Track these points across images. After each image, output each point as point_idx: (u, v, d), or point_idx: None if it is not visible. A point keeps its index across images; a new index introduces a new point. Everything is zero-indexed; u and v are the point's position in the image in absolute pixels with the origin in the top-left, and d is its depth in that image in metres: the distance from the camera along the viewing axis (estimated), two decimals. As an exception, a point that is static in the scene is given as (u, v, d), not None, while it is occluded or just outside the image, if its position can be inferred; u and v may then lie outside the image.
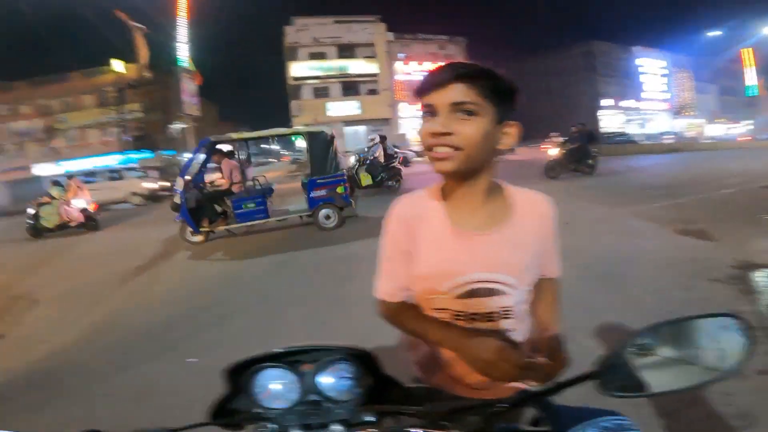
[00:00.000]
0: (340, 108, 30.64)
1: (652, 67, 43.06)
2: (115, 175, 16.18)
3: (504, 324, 0.83)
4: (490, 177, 0.81)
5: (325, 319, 3.33)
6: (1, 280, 5.70)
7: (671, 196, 7.92)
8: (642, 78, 42.19)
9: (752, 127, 42.16)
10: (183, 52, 17.09)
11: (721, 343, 0.54)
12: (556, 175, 11.18)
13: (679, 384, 0.52)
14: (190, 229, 6.37)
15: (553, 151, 11.79)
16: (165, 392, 2.44)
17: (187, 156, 23.27)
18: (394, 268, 0.86)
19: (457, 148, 0.72)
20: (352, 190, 7.11)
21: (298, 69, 30.39)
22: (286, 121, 32.94)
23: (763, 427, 1.84)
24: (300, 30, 30.55)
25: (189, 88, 17.16)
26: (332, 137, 6.78)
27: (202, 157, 6.82)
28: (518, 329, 0.85)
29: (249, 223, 6.68)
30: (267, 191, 7.30)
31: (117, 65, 24.17)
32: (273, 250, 5.80)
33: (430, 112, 0.74)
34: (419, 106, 0.78)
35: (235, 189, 6.96)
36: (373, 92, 31.29)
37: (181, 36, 16.96)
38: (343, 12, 33.43)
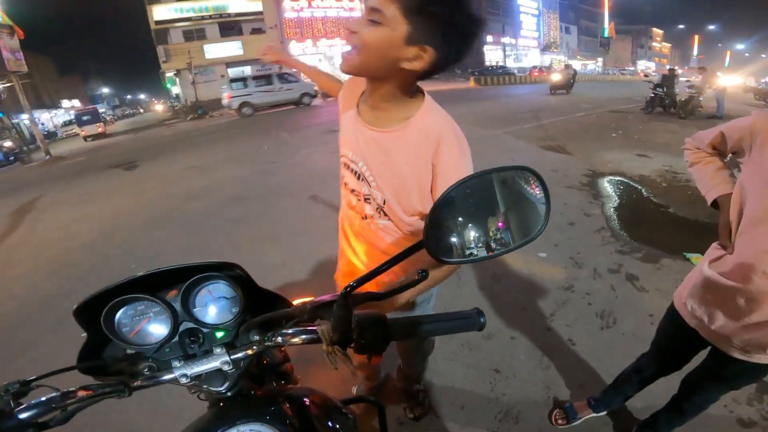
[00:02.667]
0: (220, 49, 27.47)
1: (528, 7, 45.93)
2: None
3: (368, 210, 0.96)
4: (397, 88, 0.81)
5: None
6: None
7: (537, 119, 9.00)
8: (522, 17, 45.05)
9: (601, 63, 48.96)
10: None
11: (529, 220, 0.56)
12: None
13: (492, 249, 0.54)
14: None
15: None
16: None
17: (24, 117, 19.21)
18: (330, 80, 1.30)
19: (355, 49, 0.74)
20: None
21: (162, 12, 26.04)
22: (155, 68, 28.48)
23: (622, 323, 2.14)
24: None
25: (9, 44, 13.68)
26: None
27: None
28: (387, 231, 0.97)
29: None
30: None
31: None
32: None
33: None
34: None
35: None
36: (258, 31, 28.32)
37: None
38: None
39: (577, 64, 49.44)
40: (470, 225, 0.54)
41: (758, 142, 0.90)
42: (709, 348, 1.12)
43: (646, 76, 13.30)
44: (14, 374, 0.54)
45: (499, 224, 0.55)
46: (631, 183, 4.44)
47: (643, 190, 4.21)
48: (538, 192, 0.56)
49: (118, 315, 0.59)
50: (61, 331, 2.43)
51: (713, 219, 3.88)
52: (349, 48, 0.76)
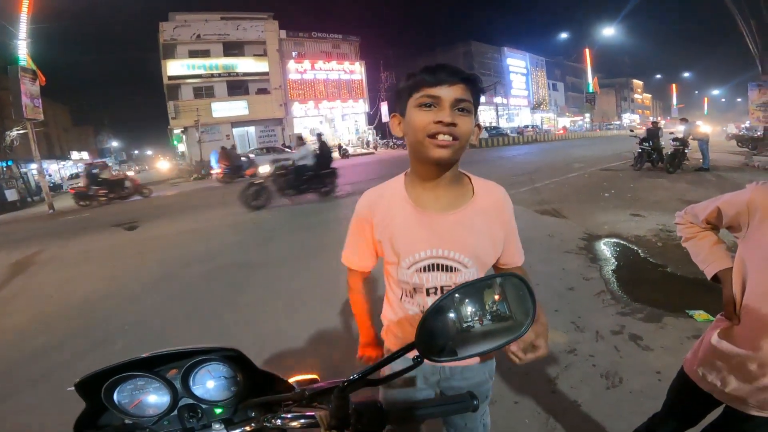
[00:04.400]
0: (227, 108, 28.63)
1: (517, 67, 48.54)
2: None
3: None
4: (458, 167, 0.92)
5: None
6: None
7: (531, 182, 9.27)
8: (511, 76, 47.56)
9: (589, 119, 51.05)
10: (21, 49, 14.15)
11: (517, 300, 0.60)
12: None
13: (486, 345, 0.57)
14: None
15: None
16: None
17: (33, 167, 19.67)
18: (356, 242, 1.02)
19: (455, 138, 0.82)
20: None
21: (175, 67, 27.58)
22: (164, 124, 29.56)
23: (628, 382, 2.12)
24: (179, 26, 27.75)
25: (30, 89, 14.22)
26: None
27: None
28: None
29: None
30: None
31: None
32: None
33: (431, 103, 0.82)
34: (411, 95, 0.85)
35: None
36: (263, 91, 29.83)
37: (20, 32, 13.99)
38: (232, 8, 31.01)
39: (565, 121, 51.55)
40: (460, 328, 0.57)
41: (757, 217, 0.91)
42: (723, 405, 1.09)
43: (631, 131, 13.89)
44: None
45: (484, 322, 0.58)
46: (628, 244, 4.48)
47: (639, 251, 4.24)
48: (521, 293, 0.59)
49: (118, 388, 0.61)
50: (44, 383, 2.53)
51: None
52: (445, 138, 0.81)
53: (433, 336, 0.56)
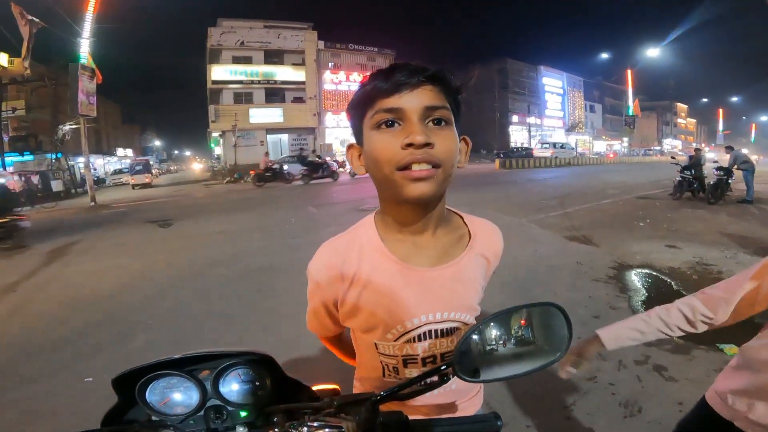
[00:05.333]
0: (263, 115, 29.64)
1: (553, 86, 47.59)
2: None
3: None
4: (444, 203, 0.69)
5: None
6: None
7: (562, 206, 8.98)
8: (546, 96, 46.55)
9: (627, 143, 49.20)
10: (84, 48, 15.18)
11: (552, 328, 0.61)
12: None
13: (519, 369, 0.59)
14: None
15: None
16: None
17: (80, 160, 21.11)
18: (319, 312, 0.78)
19: (435, 165, 0.58)
20: None
21: (219, 72, 28.93)
22: (204, 126, 30.85)
23: (647, 412, 2.06)
24: (225, 32, 29.12)
25: (87, 86, 15.21)
26: None
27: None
28: None
29: None
30: None
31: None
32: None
33: (392, 119, 0.59)
34: (365, 114, 0.62)
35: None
36: (299, 100, 30.74)
37: (84, 31, 15.07)
38: (274, 17, 32.43)
39: (602, 145, 49.82)
40: (495, 350, 0.58)
41: None
42: None
43: (673, 158, 13.33)
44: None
45: (523, 347, 0.59)
46: (660, 276, 4.28)
47: (672, 284, 4.04)
48: (558, 322, 0.60)
49: (151, 385, 0.63)
50: (63, 372, 2.62)
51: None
52: (422, 168, 0.58)
53: (469, 357, 0.57)
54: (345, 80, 31.78)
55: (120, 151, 40.12)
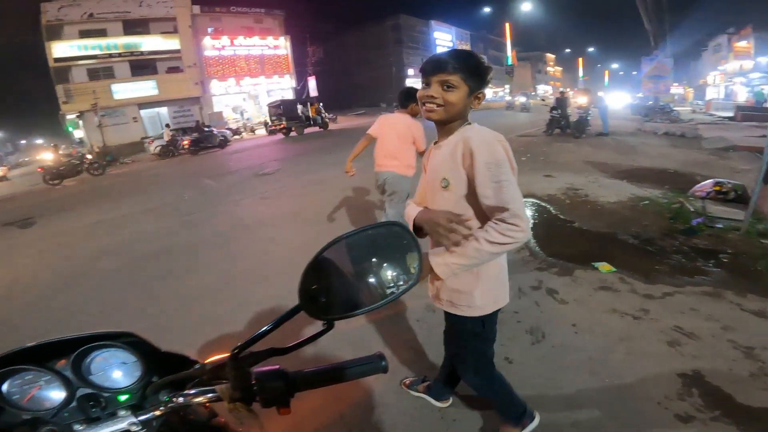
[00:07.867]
0: (132, 89, 25.85)
1: (443, 40, 49.33)
2: None
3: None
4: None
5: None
6: None
7: None
8: (438, 50, 47.68)
9: (508, 90, 53.96)
10: None
11: (400, 250, 0.60)
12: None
13: (374, 301, 0.59)
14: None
15: None
16: None
17: None
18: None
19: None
20: None
21: (62, 49, 24.10)
22: (54, 110, 25.78)
23: (549, 337, 2.23)
24: (66, 6, 24.02)
25: None
26: None
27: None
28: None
29: None
30: None
31: None
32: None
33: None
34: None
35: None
36: (175, 69, 27.17)
37: None
38: None
39: (489, 92, 53.72)
40: (347, 281, 0.58)
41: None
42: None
43: (543, 100, 15.09)
44: None
45: (375, 276, 0.59)
46: (541, 203, 4.89)
47: (551, 208, 4.64)
48: (405, 242, 0.61)
49: (5, 384, 0.59)
50: None
51: (612, 229, 4.26)
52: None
53: (318, 292, 0.56)
54: (230, 45, 29.18)
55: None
